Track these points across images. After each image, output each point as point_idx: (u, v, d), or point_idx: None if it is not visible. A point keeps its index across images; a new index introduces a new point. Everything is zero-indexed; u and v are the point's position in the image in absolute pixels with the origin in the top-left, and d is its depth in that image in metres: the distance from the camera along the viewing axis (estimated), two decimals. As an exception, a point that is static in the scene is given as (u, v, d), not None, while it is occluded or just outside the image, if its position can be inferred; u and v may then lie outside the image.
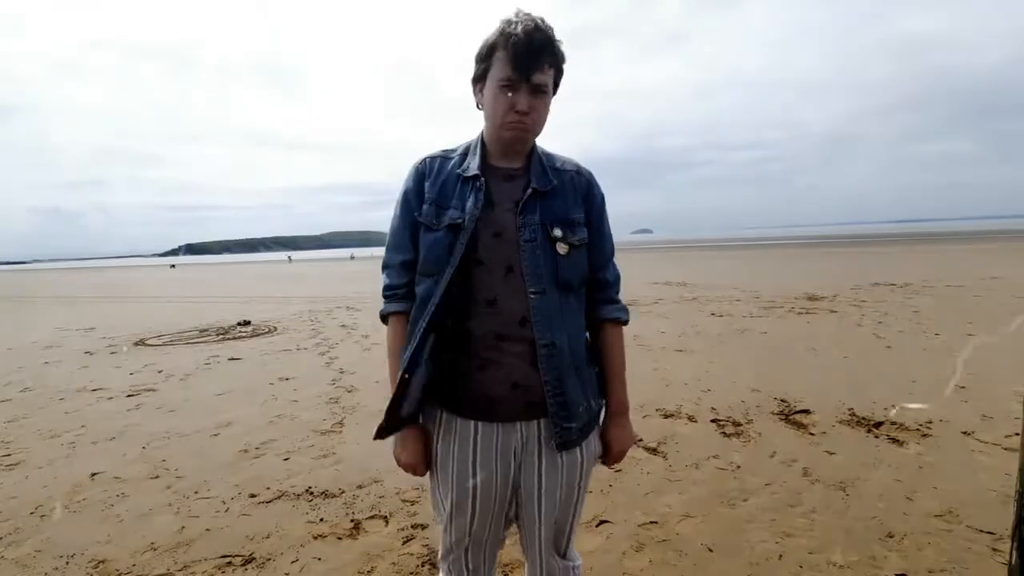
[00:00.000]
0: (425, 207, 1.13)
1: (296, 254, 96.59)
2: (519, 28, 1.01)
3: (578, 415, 1.13)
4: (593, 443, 1.21)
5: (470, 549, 1.21)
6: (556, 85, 1.10)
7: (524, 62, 1.02)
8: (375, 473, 2.93)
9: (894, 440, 3.11)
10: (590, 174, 1.22)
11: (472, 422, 1.12)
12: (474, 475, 1.12)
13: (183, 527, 2.46)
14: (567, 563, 1.26)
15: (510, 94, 1.05)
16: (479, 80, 1.12)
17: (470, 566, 1.23)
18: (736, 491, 2.60)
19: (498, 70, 1.05)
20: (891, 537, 2.17)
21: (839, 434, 3.24)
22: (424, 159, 1.20)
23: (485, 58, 1.08)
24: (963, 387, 4.00)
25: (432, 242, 1.11)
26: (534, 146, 1.18)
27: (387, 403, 1.11)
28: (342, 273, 26.51)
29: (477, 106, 1.15)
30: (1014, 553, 1.26)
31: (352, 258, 59.27)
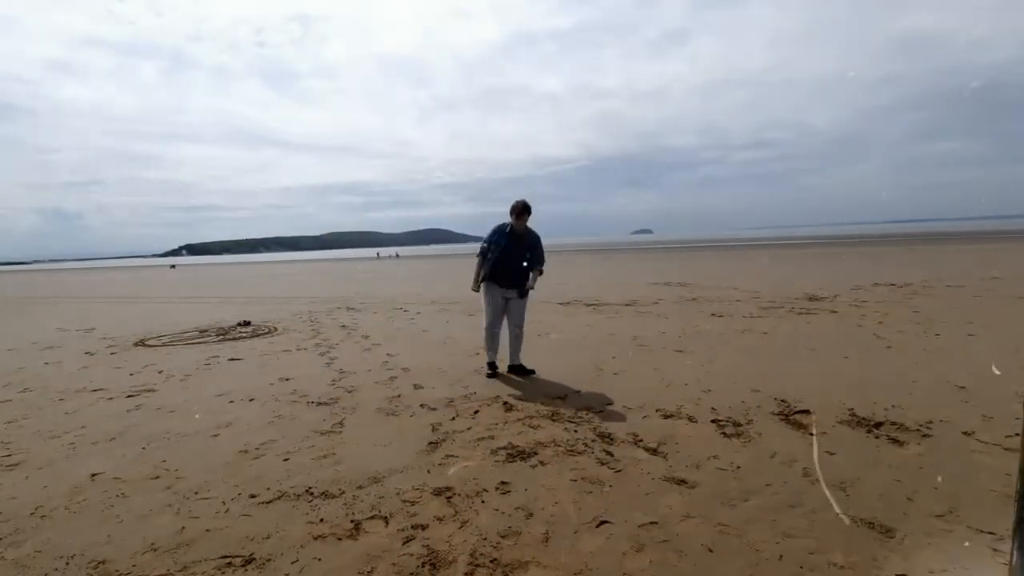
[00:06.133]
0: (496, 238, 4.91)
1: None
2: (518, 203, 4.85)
3: (522, 287, 4.95)
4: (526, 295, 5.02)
5: (494, 323, 4.98)
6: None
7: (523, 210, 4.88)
8: (375, 473, 2.93)
9: (894, 440, 3.11)
10: (536, 235, 4.99)
11: (497, 285, 4.94)
12: (497, 300, 4.98)
13: (183, 528, 2.46)
14: (518, 328, 5.06)
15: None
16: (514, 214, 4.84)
17: (495, 328, 4.99)
18: (736, 491, 2.60)
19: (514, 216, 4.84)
20: (891, 537, 2.17)
21: (839, 434, 3.24)
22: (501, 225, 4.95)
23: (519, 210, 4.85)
24: (963, 387, 4.00)
25: (498, 245, 4.86)
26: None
27: (477, 276, 4.90)
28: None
29: (511, 214, 4.84)
30: (1014, 553, 1.26)
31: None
